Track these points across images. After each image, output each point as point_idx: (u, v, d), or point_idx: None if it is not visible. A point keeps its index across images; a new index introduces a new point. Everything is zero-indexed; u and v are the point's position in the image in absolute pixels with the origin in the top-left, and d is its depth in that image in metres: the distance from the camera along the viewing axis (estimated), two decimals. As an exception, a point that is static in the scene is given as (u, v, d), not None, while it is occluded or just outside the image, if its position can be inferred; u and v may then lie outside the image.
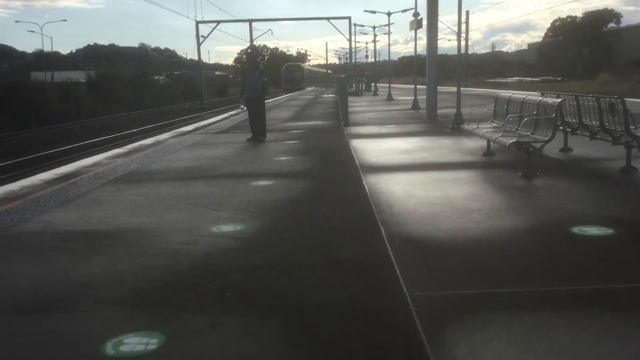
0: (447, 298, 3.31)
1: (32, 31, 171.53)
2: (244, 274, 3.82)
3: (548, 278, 3.59)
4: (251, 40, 46.43)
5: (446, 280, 3.59)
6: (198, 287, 3.57)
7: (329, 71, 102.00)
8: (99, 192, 6.81)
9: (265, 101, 12.96)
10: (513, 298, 3.29)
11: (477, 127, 8.75)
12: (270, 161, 9.13)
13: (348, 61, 70.61)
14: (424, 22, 16.43)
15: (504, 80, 62.73)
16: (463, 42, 42.20)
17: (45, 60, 70.74)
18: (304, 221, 5.27)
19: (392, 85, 34.89)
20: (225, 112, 22.02)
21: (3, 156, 21.02)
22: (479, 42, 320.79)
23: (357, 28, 53.83)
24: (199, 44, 44.25)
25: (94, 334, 2.92)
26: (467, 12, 46.43)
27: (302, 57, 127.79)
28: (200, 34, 44.12)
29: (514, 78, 67.76)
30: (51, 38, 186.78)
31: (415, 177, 7.27)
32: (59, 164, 13.19)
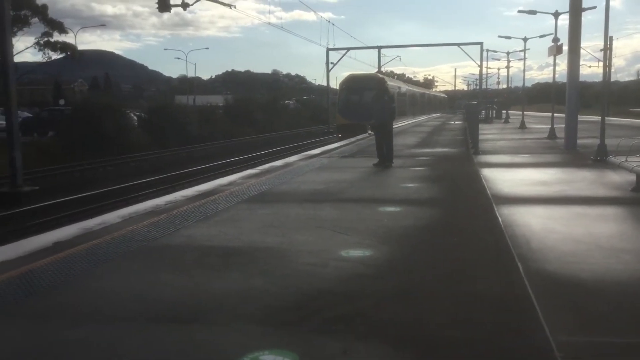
0: (597, 346, 3.02)
1: (178, 58, 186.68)
2: (374, 301, 3.77)
3: None
4: (379, 67, 46.88)
5: (595, 326, 3.29)
6: (328, 311, 3.58)
7: (443, 95, 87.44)
8: (235, 210, 7.14)
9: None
10: (676, 353, 2.92)
11: (626, 160, 8.06)
12: (397, 187, 9.05)
13: (477, 87, 65.96)
14: (564, 48, 15.59)
15: (651, 110, 57.43)
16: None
17: (188, 85, 76.67)
18: (433, 250, 5.13)
19: (525, 112, 33.39)
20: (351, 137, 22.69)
21: (150, 172, 22.94)
22: (622, 69, 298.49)
23: (489, 54, 52.32)
24: (328, 70, 45.40)
25: (231, 348, 3.02)
26: (611, 38, 43.43)
27: (429, 82, 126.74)
28: (330, 60, 45.28)
29: (663, 108, 61.71)
30: (195, 64, 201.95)
31: (554, 211, 6.82)
32: (198, 182, 14.08)
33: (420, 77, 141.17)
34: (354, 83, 32.21)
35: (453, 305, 3.70)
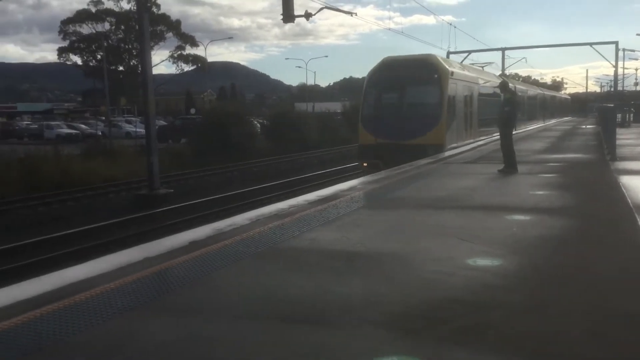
0: None
1: (299, 67, 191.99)
2: (505, 312, 3.60)
3: None
4: (503, 69, 45.07)
5: None
6: (456, 320, 3.47)
7: (566, 96, 73.50)
8: (356, 215, 7.19)
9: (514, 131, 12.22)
10: None
11: None
12: (524, 195, 8.61)
13: (612, 89, 60.63)
14: None
15: None
16: None
17: (307, 92, 78.71)
18: (568, 264, 4.81)
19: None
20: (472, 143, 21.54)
21: (272, 177, 23.82)
22: None
23: (626, 53, 48.36)
24: (448, 74, 44.46)
25: (358, 352, 3.03)
26: None
27: (557, 85, 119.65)
28: (451, 64, 44.30)
29: None
30: (314, 72, 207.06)
31: None
32: (319, 187, 14.37)
33: (547, 79, 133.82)
34: (390, 73, 17.53)
35: (592, 323, 3.44)
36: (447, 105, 16.84)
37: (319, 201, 8.31)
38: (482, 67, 32.45)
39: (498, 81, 24.81)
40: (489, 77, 25.35)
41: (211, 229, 6.26)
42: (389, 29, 38.24)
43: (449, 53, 44.04)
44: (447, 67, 17.26)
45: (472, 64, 33.17)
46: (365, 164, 17.36)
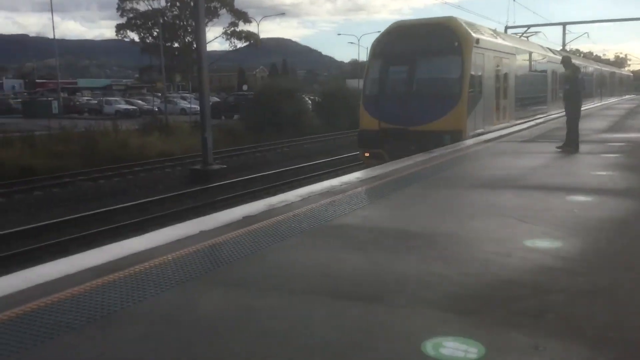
0: None
1: (351, 42, 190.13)
2: (567, 296, 3.48)
3: None
4: (563, 44, 43.31)
5: None
6: (515, 303, 3.38)
7: (628, 73, 66.55)
8: (409, 193, 7.09)
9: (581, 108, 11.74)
10: None
11: None
12: (586, 175, 8.28)
13: None
14: None
15: None
16: None
17: (360, 69, 77.94)
18: (633, 247, 4.60)
19: None
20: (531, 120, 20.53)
21: (323, 153, 23.84)
22: None
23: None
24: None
25: (413, 331, 2.99)
26: None
27: (620, 61, 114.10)
28: (509, 39, 42.84)
29: None
30: (367, 48, 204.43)
31: None
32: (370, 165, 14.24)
33: (610, 56, 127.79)
34: (399, 41, 14.34)
35: (660, 308, 3.28)
36: (469, 81, 13.56)
37: (371, 179, 8.24)
38: (527, 36, 29.30)
39: (546, 54, 22.52)
40: (533, 48, 21.76)
41: (264, 205, 6.31)
42: (445, 3, 37.19)
43: (507, 28, 42.57)
44: (471, 33, 13.84)
45: (519, 35, 29.50)
46: (366, 154, 14.54)
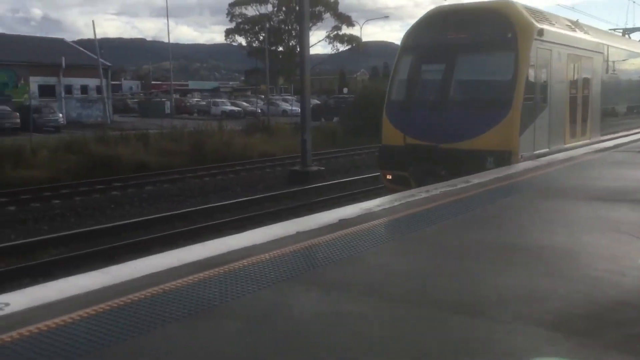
0: None
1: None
2: (692, 324, 3.15)
3: None
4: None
5: None
6: (627, 326, 3.11)
7: None
8: (514, 203, 6.79)
9: None
10: None
11: None
12: None
13: None
14: None
15: None
16: None
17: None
18: None
19: None
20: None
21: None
22: None
23: None
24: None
25: (516, 350, 2.84)
26: None
27: None
28: (627, 42, 39.94)
29: None
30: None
31: None
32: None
33: None
34: (435, 33, 11.00)
35: None
36: (526, 85, 10.14)
37: (475, 185, 7.97)
38: (624, 33, 24.65)
39: None
40: (632, 47, 17.32)
41: (360, 209, 6.28)
42: (558, 5, 35.30)
43: (625, 31, 39.78)
44: (532, 21, 10.39)
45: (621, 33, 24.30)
46: (388, 177, 11.34)
